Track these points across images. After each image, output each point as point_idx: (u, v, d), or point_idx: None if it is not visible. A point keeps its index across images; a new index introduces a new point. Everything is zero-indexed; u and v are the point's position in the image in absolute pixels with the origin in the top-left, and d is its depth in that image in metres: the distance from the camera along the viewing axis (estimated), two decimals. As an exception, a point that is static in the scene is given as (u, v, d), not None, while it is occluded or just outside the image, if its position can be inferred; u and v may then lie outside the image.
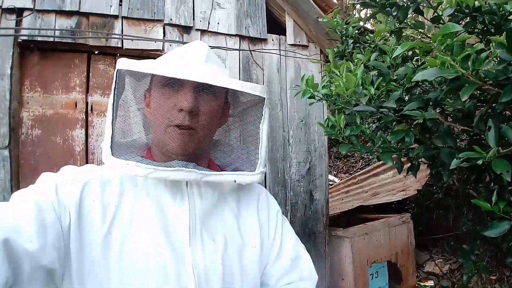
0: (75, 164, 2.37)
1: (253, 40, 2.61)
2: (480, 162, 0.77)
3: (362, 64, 0.93)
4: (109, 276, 0.68)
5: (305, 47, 2.79)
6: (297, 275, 0.90)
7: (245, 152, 0.89)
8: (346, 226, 3.14)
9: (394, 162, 1.14)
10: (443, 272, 3.93)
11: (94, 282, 0.67)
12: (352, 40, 1.76)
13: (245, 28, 2.57)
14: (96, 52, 2.29)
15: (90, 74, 2.35)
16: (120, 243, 0.70)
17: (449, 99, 0.92)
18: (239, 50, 2.52)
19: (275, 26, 2.77)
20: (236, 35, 2.54)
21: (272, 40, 2.69)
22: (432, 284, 3.79)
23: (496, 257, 3.31)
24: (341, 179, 6.30)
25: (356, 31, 1.76)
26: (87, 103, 2.32)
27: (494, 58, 0.92)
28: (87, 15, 2.19)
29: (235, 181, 0.78)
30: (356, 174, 5.41)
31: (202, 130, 0.76)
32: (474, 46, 0.84)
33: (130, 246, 0.70)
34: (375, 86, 0.91)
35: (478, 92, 1.04)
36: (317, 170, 2.73)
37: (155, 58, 2.51)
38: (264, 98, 0.80)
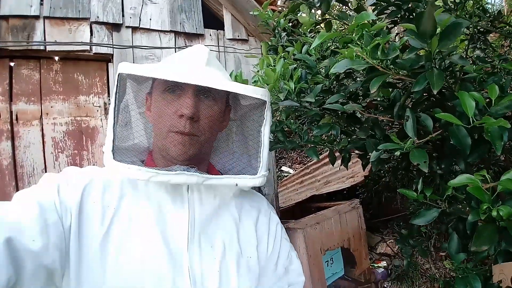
0: (3, 179, 2.18)
1: (189, 36, 2.51)
2: (398, 153, 0.77)
3: (281, 58, 0.89)
4: (105, 278, 0.67)
5: (244, 41, 2.73)
6: (286, 281, 0.90)
7: (246, 155, 0.90)
8: (301, 216, 3.16)
9: (327, 155, 1.12)
10: (394, 252, 4.10)
11: (90, 284, 0.67)
12: (285, 33, 1.73)
13: (180, 23, 2.46)
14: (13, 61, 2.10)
15: (13, 80, 2.16)
16: (117, 246, 0.69)
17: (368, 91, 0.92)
18: (175, 48, 2.41)
19: (214, 21, 2.69)
20: (170, 31, 2.43)
21: (210, 35, 2.61)
22: (385, 264, 3.94)
23: (445, 234, 3.49)
24: (295, 170, 6.38)
25: (289, 24, 1.72)
26: (11, 112, 2.13)
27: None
28: (6, 18, 2.00)
29: (236, 185, 0.77)
30: (309, 164, 5.48)
31: (203, 135, 0.77)
32: (388, 35, 0.82)
33: (127, 249, 0.70)
34: (294, 80, 0.88)
35: (400, 82, 1.04)
36: (265, 165, 2.70)
37: (82, 59, 2.34)
38: (266, 101, 0.80)
